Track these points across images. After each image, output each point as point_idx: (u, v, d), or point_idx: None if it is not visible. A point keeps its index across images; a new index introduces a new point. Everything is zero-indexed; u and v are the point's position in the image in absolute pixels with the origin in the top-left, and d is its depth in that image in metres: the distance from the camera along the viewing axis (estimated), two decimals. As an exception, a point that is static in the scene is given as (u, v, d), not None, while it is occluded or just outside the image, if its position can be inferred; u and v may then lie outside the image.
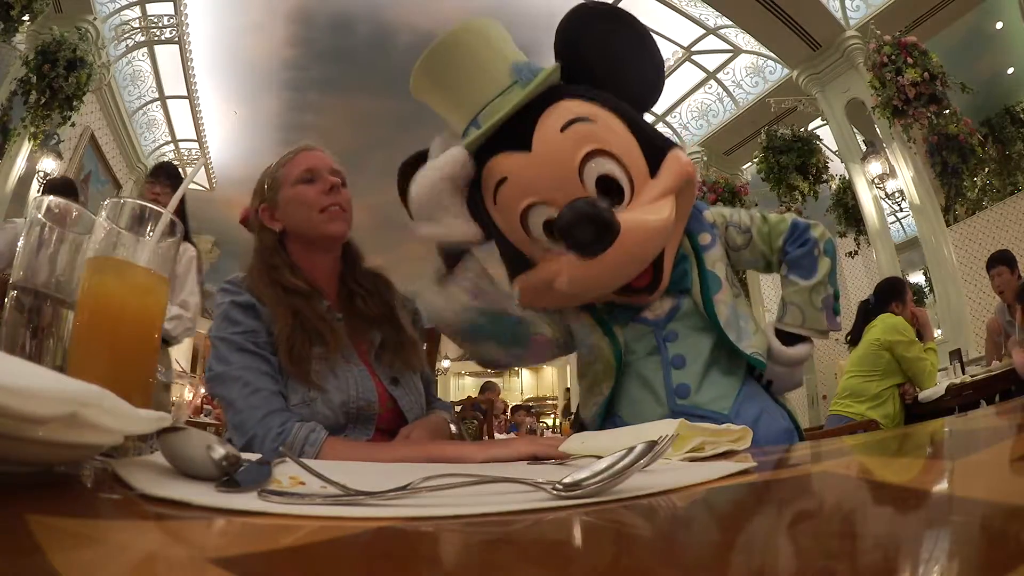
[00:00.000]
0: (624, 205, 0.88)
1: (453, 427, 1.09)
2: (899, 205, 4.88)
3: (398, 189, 1.09)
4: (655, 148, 0.91)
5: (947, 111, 4.33)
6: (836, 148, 5.34)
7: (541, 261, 0.96)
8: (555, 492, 0.36)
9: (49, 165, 4.86)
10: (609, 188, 0.87)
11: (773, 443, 0.93)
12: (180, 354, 10.02)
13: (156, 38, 6.02)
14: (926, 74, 4.16)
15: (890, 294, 3.06)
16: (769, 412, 1.02)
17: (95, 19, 5.08)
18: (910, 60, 4.19)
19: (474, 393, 6.77)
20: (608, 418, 1.05)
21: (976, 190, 6.26)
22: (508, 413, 8.62)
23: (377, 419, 0.99)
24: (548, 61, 0.95)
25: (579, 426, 1.12)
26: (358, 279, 1.08)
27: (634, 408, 1.02)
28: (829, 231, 1.05)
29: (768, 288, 8.35)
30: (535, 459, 0.72)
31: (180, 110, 7.22)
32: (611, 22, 0.97)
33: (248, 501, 0.33)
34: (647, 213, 0.86)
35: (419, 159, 1.05)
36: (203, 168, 7.84)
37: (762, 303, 6.64)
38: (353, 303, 1.06)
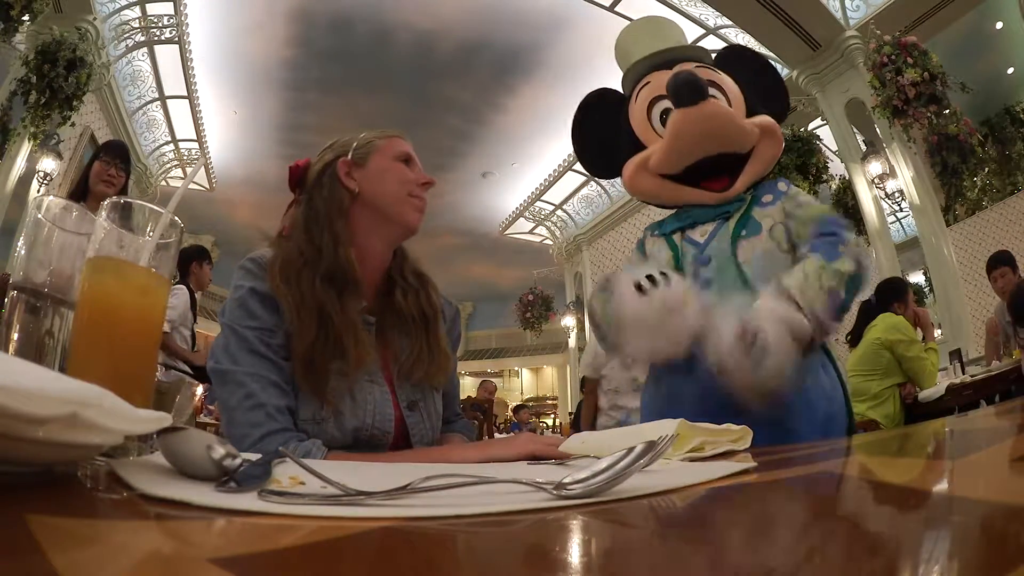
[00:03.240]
0: None
1: None
2: (899, 205, 4.88)
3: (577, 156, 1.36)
4: (754, 109, 1.20)
5: (947, 111, 4.33)
6: (836, 148, 5.34)
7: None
8: (555, 492, 0.36)
9: (49, 165, 4.86)
10: None
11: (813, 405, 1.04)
12: (180, 354, 10.01)
13: (156, 38, 6.02)
14: (926, 74, 4.16)
15: (891, 294, 3.06)
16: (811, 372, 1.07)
17: (95, 19, 5.09)
18: (910, 60, 4.19)
19: (474, 393, 6.76)
20: None
21: (976, 190, 6.25)
22: (510, 413, 8.61)
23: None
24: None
25: None
26: (404, 274, 1.00)
27: None
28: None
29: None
30: (534, 459, 0.72)
31: (180, 110, 7.22)
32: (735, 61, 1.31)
33: (248, 501, 0.33)
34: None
35: (584, 115, 1.34)
36: (203, 168, 7.83)
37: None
38: (392, 297, 0.97)
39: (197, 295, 3.23)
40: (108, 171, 2.37)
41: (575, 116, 1.34)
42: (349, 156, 0.96)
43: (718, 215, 1.17)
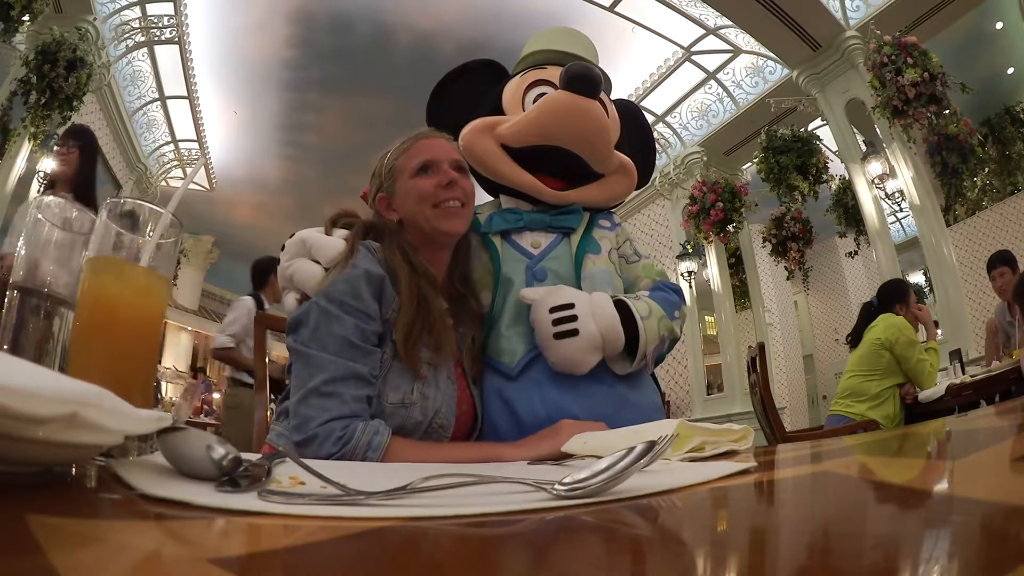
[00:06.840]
0: None
1: None
2: (899, 205, 4.88)
3: (427, 110, 1.26)
4: (622, 151, 1.18)
5: (947, 111, 4.32)
6: (836, 148, 5.34)
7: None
8: (555, 492, 0.36)
9: (49, 165, 4.86)
10: None
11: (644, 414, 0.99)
12: (180, 354, 10.03)
13: (156, 38, 6.02)
14: (926, 74, 4.15)
15: (894, 295, 3.06)
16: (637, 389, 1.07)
17: (95, 19, 5.09)
18: (910, 60, 4.19)
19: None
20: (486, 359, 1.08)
21: (976, 190, 6.25)
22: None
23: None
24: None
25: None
26: (466, 280, 1.06)
27: (506, 344, 1.04)
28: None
29: (768, 288, 8.35)
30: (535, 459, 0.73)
31: (180, 110, 7.22)
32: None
33: (248, 501, 0.33)
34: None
35: (459, 74, 1.26)
36: (203, 168, 7.83)
37: (762, 303, 6.64)
38: (464, 303, 1.03)
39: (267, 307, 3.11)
40: (60, 151, 2.28)
41: (453, 71, 1.27)
42: (383, 189, 1.02)
43: (553, 227, 1.11)
